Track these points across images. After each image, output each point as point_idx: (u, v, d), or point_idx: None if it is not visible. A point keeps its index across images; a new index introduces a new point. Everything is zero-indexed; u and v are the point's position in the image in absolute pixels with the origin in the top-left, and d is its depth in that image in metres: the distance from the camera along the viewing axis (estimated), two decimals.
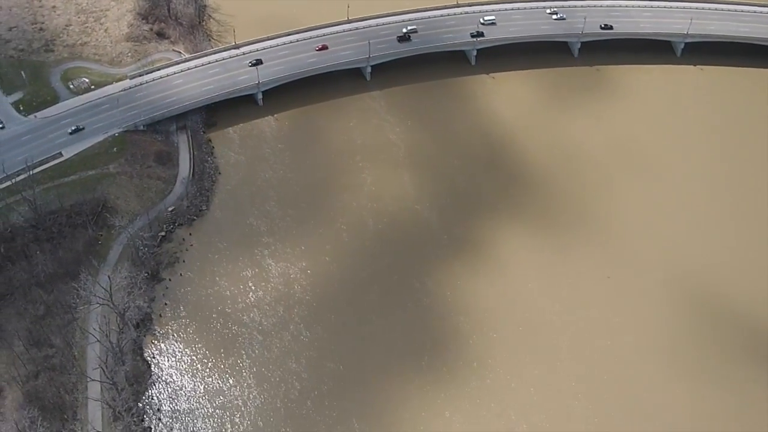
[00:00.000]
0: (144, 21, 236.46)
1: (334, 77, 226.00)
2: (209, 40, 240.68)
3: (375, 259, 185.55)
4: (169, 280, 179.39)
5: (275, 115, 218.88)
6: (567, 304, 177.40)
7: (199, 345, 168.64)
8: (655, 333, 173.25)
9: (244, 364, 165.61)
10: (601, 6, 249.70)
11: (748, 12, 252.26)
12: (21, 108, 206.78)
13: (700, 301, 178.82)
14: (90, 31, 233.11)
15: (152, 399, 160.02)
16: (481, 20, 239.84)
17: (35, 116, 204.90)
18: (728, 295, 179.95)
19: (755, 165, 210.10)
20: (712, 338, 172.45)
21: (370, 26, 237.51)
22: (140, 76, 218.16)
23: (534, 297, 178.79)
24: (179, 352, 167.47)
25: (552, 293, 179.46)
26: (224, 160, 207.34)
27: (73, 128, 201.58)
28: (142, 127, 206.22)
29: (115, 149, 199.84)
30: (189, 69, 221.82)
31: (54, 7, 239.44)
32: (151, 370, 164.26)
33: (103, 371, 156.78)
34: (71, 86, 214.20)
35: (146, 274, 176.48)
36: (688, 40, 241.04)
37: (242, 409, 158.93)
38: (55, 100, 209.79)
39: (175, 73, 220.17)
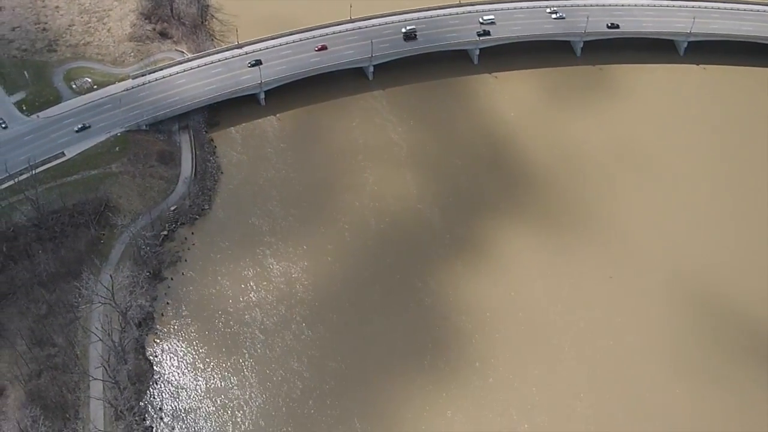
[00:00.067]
0: (147, 21, 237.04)
1: (336, 77, 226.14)
2: (212, 39, 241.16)
3: (377, 258, 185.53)
4: (171, 279, 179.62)
5: (277, 115, 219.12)
6: (569, 304, 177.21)
7: (201, 344, 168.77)
8: (656, 333, 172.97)
9: (246, 363, 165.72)
10: (603, 5, 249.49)
11: (751, 11, 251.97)
12: (24, 108, 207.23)
13: (701, 301, 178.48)
14: (93, 31, 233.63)
15: (154, 398, 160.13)
16: (481, 20, 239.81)
17: (38, 116, 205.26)
18: (729, 295, 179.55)
19: (759, 164, 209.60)
20: (713, 338, 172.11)
21: (372, 26, 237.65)
22: (143, 75, 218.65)
23: (536, 297, 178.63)
24: (181, 351, 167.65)
25: (554, 293, 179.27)
26: (226, 159, 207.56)
27: (79, 126, 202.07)
28: (144, 127, 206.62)
29: (117, 149, 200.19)
30: (191, 69, 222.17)
31: (57, 7, 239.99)
32: (153, 369, 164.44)
33: (106, 370, 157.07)
34: (74, 86, 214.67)
35: (148, 273, 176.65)
36: (691, 39, 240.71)
37: (244, 408, 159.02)
38: (57, 99, 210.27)
39: (177, 73, 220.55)
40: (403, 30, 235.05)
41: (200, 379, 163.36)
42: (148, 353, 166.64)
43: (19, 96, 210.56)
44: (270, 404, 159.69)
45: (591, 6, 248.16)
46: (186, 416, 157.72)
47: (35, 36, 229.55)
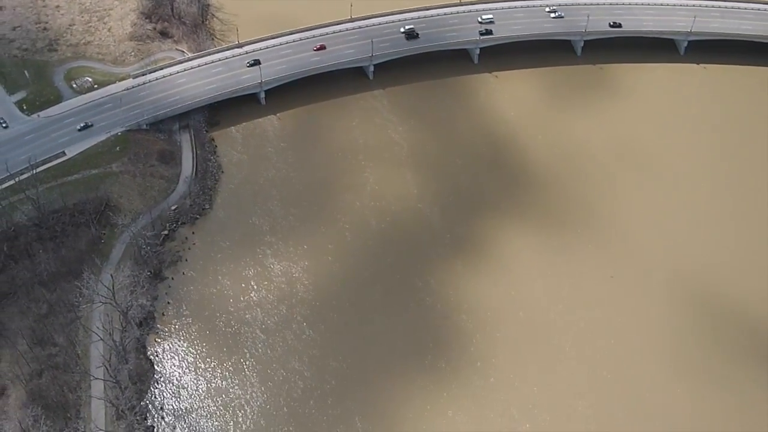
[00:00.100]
0: (147, 20, 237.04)
1: (336, 76, 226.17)
2: (212, 39, 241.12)
3: (377, 258, 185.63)
4: (172, 278, 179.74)
5: (278, 114, 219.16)
6: (569, 304, 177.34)
7: (202, 343, 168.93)
8: (657, 333, 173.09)
9: (247, 362, 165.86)
10: (603, 4, 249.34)
11: (752, 10, 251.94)
12: (24, 107, 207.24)
13: (701, 301, 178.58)
14: (93, 30, 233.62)
15: (155, 397, 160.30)
16: (479, 19, 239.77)
17: (38, 115, 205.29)
18: (729, 295, 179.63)
19: (759, 164, 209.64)
20: (713, 338, 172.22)
21: (372, 25, 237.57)
22: (143, 75, 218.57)
23: (537, 296, 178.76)
24: (182, 350, 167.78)
25: (555, 293, 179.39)
26: (227, 159, 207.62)
27: (82, 125, 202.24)
28: (145, 126, 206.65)
29: (118, 148, 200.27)
30: (192, 68, 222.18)
31: (58, 6, 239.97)
32: (154, 368, 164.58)
33: (107, 369, 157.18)
34: (74, 85, 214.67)
35: (149, 273, 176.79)
36: (692, 38, 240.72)
37: (245, 407, 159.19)
38: (58, 99, 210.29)
39: (178, 72, 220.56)
40: (401, 30, 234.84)
41: (201, 378, 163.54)
42: (149, 353, 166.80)
43: (20, 95, 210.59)
44: (271, 404, 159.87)
45: (591, 5, 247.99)
46: (187, 415, 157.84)
47: (36, 35, 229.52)
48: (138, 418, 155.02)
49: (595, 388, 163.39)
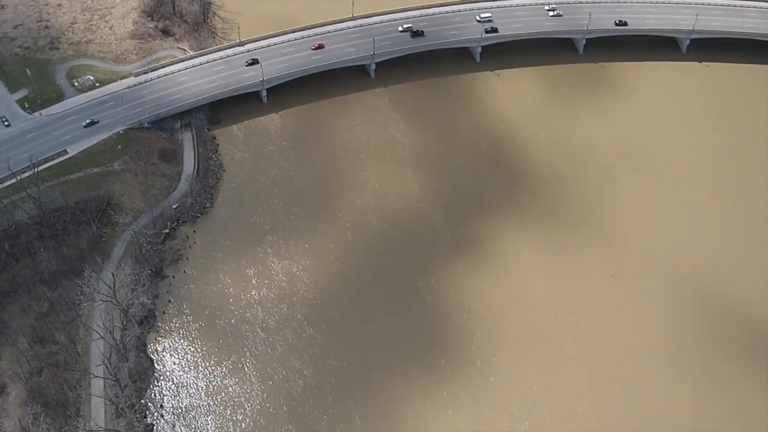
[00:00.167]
0: (149, 18, 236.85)
1: (338, 75, 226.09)
2: (214, 37, 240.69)
3: (379, 257, 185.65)
4: (173, 277, 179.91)
5: (279, 113, 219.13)
6: (570, 303, 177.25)
7: (202, 342, 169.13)
8: (657, 333, 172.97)
9: (247, 361, 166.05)
10: (604, 2, 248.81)
11: (754, 8, 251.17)
12: (26, 105, 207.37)
13: (701, 301, 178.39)
14: (95, 28, 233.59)
15: (155, 396, 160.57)
16: (478, 18, 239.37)
17: (40, 114, 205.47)
18: (729, 295, 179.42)
19: (761, 162, 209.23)
20: (713, 338, 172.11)
21: (374, 23, 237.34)
22: (145, 73, 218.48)
23: (538, 296, 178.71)
24: (182, 349, 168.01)
25: (555, 292, 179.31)
26: (228, 157, 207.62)
27: (87, 122, 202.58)
28: (146, 125, 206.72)
29: (119, 146, 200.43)
30: (193, 66, 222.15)
31: (59, 4, 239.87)
32: (154, 366, 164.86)
33: (107, 368, 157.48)
34: (76, 84, 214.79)
35: (150, 271, 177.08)
36: (694, 36, 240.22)
37: (245, 406, 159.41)
38: (60, 97, 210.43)
39: (179, 71, 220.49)
40: (400, 29, 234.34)
41: (201, 376, 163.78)
42: (149, 351, 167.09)
43: (22, 94, 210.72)
44: (271, 402, 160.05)
45: (593, 3, 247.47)
46: (187, 414, 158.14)
47: (38, 34, 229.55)
48: (138, 416, 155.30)
49: (595, 388, 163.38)
